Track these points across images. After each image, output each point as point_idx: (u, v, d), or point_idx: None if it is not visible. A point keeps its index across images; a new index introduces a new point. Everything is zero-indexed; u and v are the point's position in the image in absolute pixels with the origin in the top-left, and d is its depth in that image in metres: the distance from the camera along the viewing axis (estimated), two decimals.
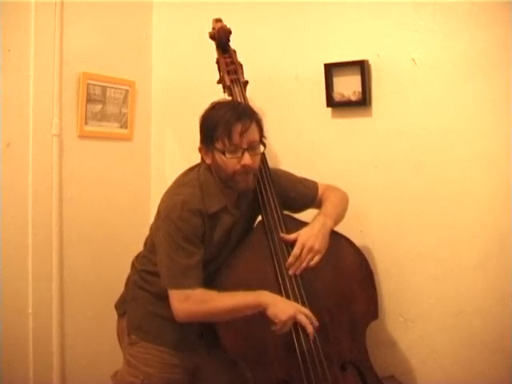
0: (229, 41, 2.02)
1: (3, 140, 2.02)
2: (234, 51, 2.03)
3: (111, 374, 1.86)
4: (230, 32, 2.01)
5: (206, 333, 1.77)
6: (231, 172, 1.66)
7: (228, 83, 1.96)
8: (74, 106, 2.23)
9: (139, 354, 1.78)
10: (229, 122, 1.62)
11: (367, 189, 2.06)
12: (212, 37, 2.02)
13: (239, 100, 1.93)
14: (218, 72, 2.02)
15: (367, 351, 1.80)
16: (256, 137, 1.68)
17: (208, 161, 1.72)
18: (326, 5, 2.12)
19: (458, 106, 1.89)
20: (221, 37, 2.00)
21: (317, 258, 1.70)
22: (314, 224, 1.75)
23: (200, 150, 1.74)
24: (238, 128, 1.62)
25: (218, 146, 1.65)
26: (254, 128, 1.67)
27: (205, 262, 1.70)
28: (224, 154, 1.64)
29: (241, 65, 2.01)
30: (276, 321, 1.58)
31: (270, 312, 1.58)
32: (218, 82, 2.01)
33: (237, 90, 1.95)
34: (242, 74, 2.00)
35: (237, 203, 1.77)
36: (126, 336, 1.83)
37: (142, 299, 1.80)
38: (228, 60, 2.00)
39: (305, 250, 1.70)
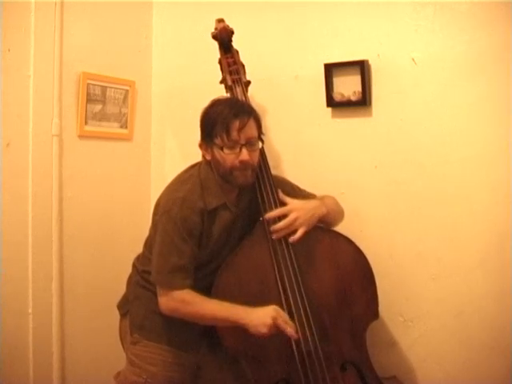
0: (231, 41, 2.02)
1: (3, 140, 2.02)
2: (237, 51, 2.03)
3: (114, 375, 1.86)
4: (233, 32, 2.01)
5: (208, 331, 1.77)
6: (229, 167, 1.67)
7: (230, 83, 1.96)
8: (73, 105, 2.23)
9: (142, 352, 1.78)
10: (227, 118, 1.65)
11: (367, 189, 2.06)
12: (214, 37, 2.02)
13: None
14: (217, 72, 2.02)
15: (367, 351, 1.80)
16: (254, 133, 1.69)
17: (208, 157, 1.74)
18: (326, 5, 2.12)
19: (457, 106, 1.89)
20: (223, 37, 2.00)
21: (299, 232, 1.70)
22: (310, 202, 1.78)
23: (200, 146, 1.77)
24: (235, 124, 1.64)
25: (217, 141, 1.67)
26: (251, 124, 1.68)
27: (205, 262, 1.71)
28: (222, 149, 1.66)
29: (243, 65, 2.01)
30: (260, 336, 1.60)
31: (252, 331, 1.60)
32: (221, 82, 2.01)
33: (238, 90, 1.95)
34: (244, 74, 2.00)
35: (236, 201, 1.77)
36: (128, 335, 1.83)
37: (145, 298, 1.81)
38: (230, 60, 2.00)
39: (292, 215, 1.70)
